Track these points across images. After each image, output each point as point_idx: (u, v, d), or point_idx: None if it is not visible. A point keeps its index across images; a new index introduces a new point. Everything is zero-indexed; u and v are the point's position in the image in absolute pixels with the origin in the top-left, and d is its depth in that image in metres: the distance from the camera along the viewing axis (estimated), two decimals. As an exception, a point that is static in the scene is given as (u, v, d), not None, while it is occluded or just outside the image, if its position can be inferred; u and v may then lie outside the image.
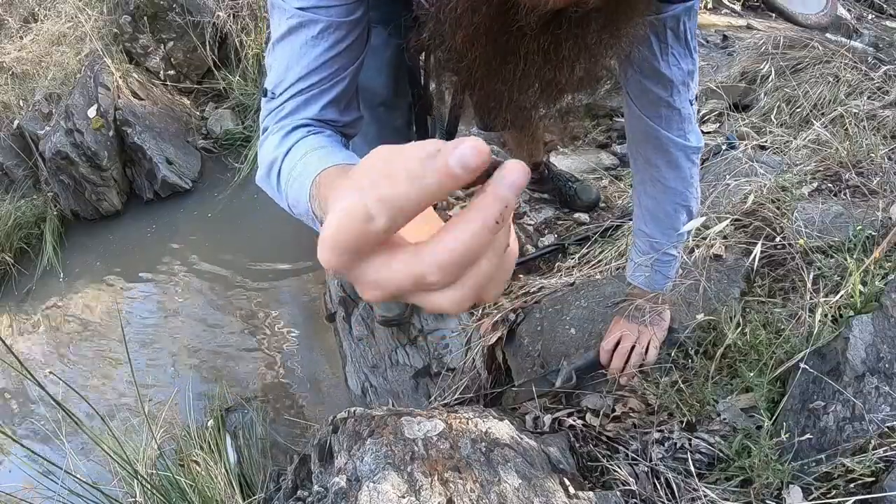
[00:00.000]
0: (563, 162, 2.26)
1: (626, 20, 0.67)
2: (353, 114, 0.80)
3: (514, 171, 0.29)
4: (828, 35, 2.50)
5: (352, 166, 0.57)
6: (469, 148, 0.27)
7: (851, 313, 1.06)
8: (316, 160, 0.64)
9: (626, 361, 1.21)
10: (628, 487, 1.00)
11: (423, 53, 1.06)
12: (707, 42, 2.79)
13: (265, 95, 0.76)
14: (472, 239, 0.29)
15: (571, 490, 0.96)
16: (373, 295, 0.32)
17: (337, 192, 0.32)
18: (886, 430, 0.92)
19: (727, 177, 1.65)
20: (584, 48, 0.66)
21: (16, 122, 3.64)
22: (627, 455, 1.08)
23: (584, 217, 2.01)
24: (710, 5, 3.14)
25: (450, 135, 1.30)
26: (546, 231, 2.00)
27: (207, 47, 3.58)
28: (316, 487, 1.03)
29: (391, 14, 1.01)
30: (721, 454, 1.04)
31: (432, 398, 1.70)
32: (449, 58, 0.72)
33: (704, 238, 1.42)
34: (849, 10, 2.74)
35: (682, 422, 1.11)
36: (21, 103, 3.75)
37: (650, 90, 0.94)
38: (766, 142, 1.94)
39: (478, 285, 0.31)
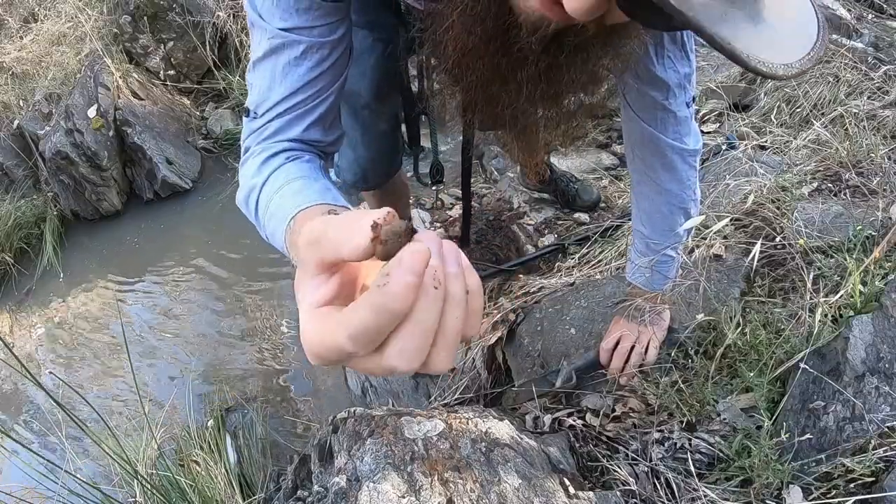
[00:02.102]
0: (564, 162, 2.26)
1: (626, 41, 0.65)
2: (336, 132, 0.79)
3: (413, 252, 0.31)
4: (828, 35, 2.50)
5: (323, 211, 0.58)
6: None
7: (851, 313, 1.06)
8: (291, 195, 0.64)
9: (626, 361, 1.21)
10: (628, 487, 1.00)
11: (413, 55, 1.06)
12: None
13: (247, 115, 0.75)
14: (378, 314, 0.31)
15: (571, 490, 0.96)
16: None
17: (297, 283, 0.38)
18: (886, 430, 0.92)
19: (727, 177, 1.65)
20: (585, 71, 0.64)
21: (16, 122, 3.64)
22: (627, 455, 1.08)
23: (584, 217, 2.01)
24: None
25: (467, 143, 1.30)
26: (546, 231, 2.00)
27: (207, 47, 3.58)
28: (316, 487, 1.03)
29: (376, 18, 1.00)
30: (721, 454, 1.04)
31: (432, 398, 1.70)
32: (447, 77, 0.71)
33: (704, 238, 1.42)
34: (849, 10, 2.74)
35: (682, 422, 1.11)
36: (21, 103, 3.75)
37: (646, 93, 0.94)
38: (766, 142, 1.94)
39: (418, 345, 0.33)
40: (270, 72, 0.72)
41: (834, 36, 2.44)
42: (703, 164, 1.86)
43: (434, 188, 1.46)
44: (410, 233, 0.32)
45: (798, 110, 2.03)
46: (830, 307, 1.07)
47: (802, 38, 0.49)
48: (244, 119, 0.76)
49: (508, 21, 0.57)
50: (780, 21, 0.48)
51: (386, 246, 0.31)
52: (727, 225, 1.44)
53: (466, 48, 0.62)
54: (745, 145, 1.90)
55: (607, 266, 1.65)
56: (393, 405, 1.85)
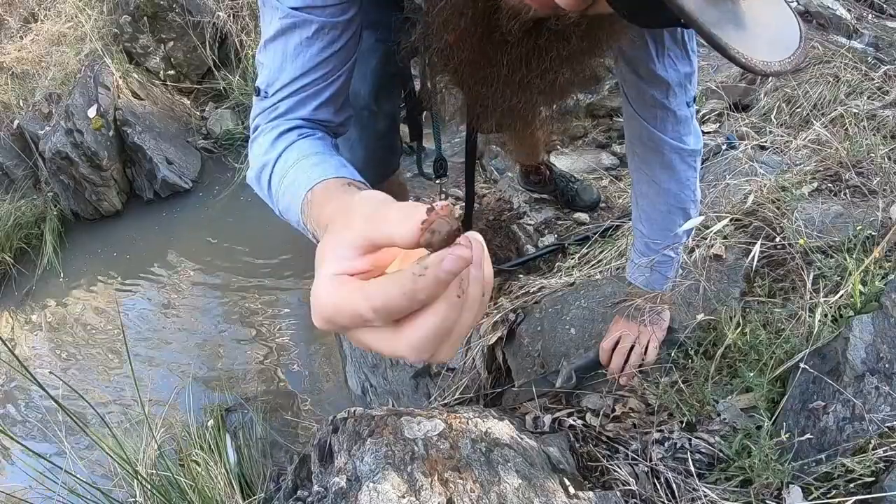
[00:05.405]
0: (563, 162, 2.26)
1: (609, 32, 0.66)
2: (345, 114, 0.79)
3: (455, 257, 0.32)
4: (828, 35, 2.50)
5: (343, 183, 0.58)
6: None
7: (851, 313, 1.06)
8: (308, 168, 0.63)
9: (626, 361, 1.21)
10: (628, 487, 1.00)
11: (415, 55, 1.07)
12: (707, 42, 2.78)
13: (257, 94, 0.75)
14: (408, 299, 0.33)
15: (571, 490, 0.96)
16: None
17: (326, 249, 0.38)
18: (886, 430, 0.92)
19: (727, 177, 1.65)
20: (567, 58, 0.65)
21: (16, 122, 3.64)
22: (627, 455, 1.08)
23: (584, 217, 2.01)
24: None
25: (470, 136, 1.31)
26: (546, 231, 2.00)
27: (207, 47, 3.58)
28: (316, 487, 1.03)
29: (380, 18, 1.01)
30: (721, 454, 1.04)
31: (432, 398, 1.70)
32: (439, 59, 0.72)
33: (704, 238, 1.42)
34: (849, 10, 2.74)
35: (682, 422, 1.11)
36: (21, 103, 3.75)
37: (646, 91, 0.94)
38: (766, 142, 1.94)
39: (429, 335, 0.34)
40: (282, 52, 0.72)
41: (834, 36, 2.44)
42: (703, 163, 1.86)
43: (438, 182, 1.47)
44: (456, 234, 0.32)
45: (798, 110, 2.03)
46: (830, 307, 1.07)
47: (781, 45, 0.51)
48: (254, 98, 0.76)
49: (493, 5, 0.60)
50: (758, 26, 0.50)
51: (433, 236, 0.32)
52: (727, 225, 1.44)
53: (458, 30, 0.64)
54: (745, 145, 1.89)
55: (607, 266, 1.65)
56: (393, 405, 1.85)
